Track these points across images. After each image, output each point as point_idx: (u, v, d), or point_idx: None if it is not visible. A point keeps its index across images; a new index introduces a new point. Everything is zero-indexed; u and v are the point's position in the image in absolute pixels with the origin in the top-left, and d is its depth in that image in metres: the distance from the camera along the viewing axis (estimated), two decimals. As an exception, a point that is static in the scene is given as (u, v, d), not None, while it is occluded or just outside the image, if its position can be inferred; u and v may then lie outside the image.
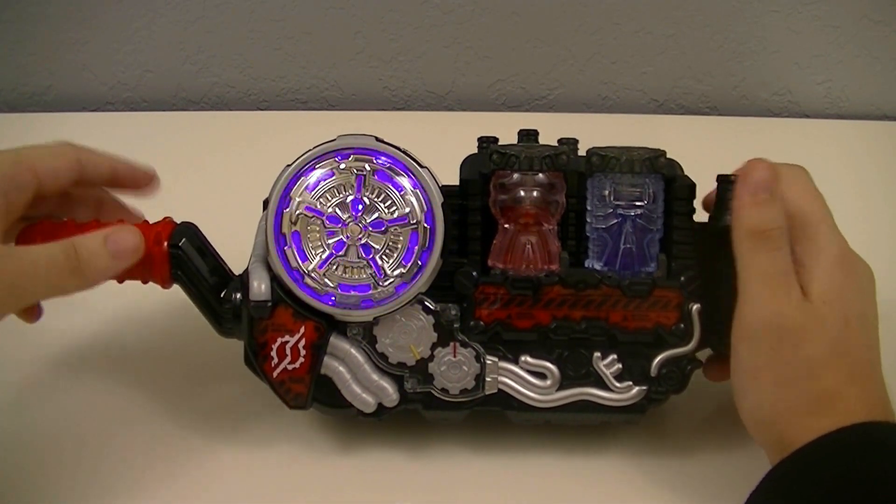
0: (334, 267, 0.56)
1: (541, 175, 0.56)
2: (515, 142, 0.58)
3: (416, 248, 0.56)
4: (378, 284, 0.56)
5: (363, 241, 0.56)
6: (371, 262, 0.56)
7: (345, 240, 0.56)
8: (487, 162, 0.56)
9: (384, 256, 0.56)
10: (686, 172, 0.57)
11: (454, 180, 0.57)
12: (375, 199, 0.56)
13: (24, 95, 1.00)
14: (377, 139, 0.56)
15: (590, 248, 0.57)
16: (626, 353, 0.57)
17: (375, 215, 0.56)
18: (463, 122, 0.97)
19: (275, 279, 0.56)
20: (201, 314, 0.59)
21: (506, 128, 0.61)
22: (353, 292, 0.56)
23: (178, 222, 0.60)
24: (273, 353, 0.57)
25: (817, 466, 0.48)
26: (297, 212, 0.56)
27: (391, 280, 0.56)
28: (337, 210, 0.56)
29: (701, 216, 0.57)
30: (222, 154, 0.90)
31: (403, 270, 0.56)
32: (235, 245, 0.61)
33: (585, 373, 0.57)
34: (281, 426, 0.62)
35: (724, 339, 0.57)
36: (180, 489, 0.58)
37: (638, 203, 0.56)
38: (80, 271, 0.53)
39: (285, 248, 0.56)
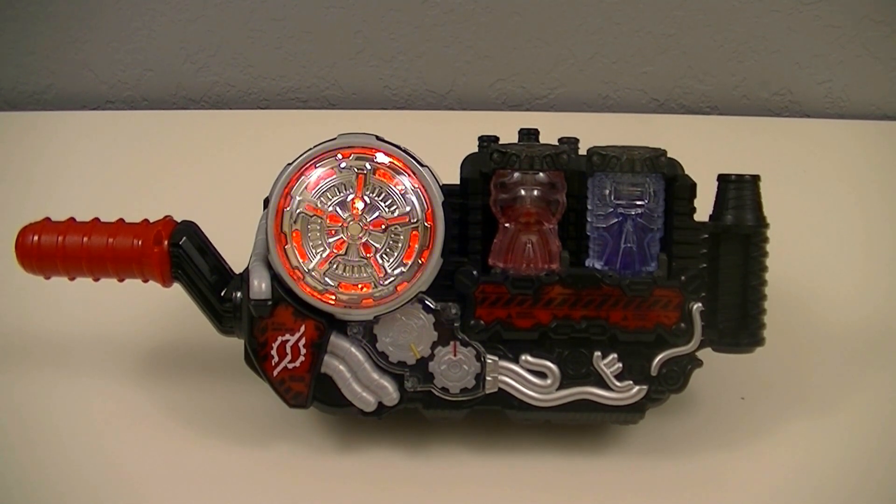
0: (335, 266, 0.56)
1: (541, 174, 0.56)
2: (516, 141, 0.58)
3: (417, 246, 0.56)
4: (378, 283, 0.56)
5: (364, 240, 0.56)
6: (371, 261, 0.56)
7: (345, 239, 0.56)
8: (488, 161, 0.56)
9: (385, 255, 0.56)
10: (687, 172, 0.57)
11: (455, 179, 0.57)
12: (376, 198, 0.56)
13: (24, 94, 1.00)
14: (378, 138, 0.56)
15: (590, 247, 0.57)
16: (626, 352, 0.57)
17: (376, 214, 0.56)
18: (463, 121, 0.97)
19: (275, 278, 0.56)
20: (202, 313, 0.59)
21: (506, 127, 0.61)
22: (353, 291, 0.56)
23: (179, 221, 0.60)
24: (273, 352, 0.57)
25: None
26: (298, 211, 0.56)
27: (392, 279, 0.56)
28: (337, 209, 0.56)
29: (701, 215, 0.57)
30: (223, 153, 0.90)
31: (404, 269, 0.56)
32: (236, 244, 0.61)
33: (586, 372, 0.57)
34: (281, 425, 0.62)
35: (725, 338, 0.57)
36: (180, 488, 0.58)
37: (638, 202, 0.56)
38: None
39: (286, 246, 0.56)
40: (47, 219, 0.60)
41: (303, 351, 0.57)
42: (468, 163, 0.58)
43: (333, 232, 0.56)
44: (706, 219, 0.57)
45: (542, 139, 0.58)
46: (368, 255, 0.56)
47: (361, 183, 0.56)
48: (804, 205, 0.82)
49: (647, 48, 0.97)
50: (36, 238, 0.58)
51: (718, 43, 0.97)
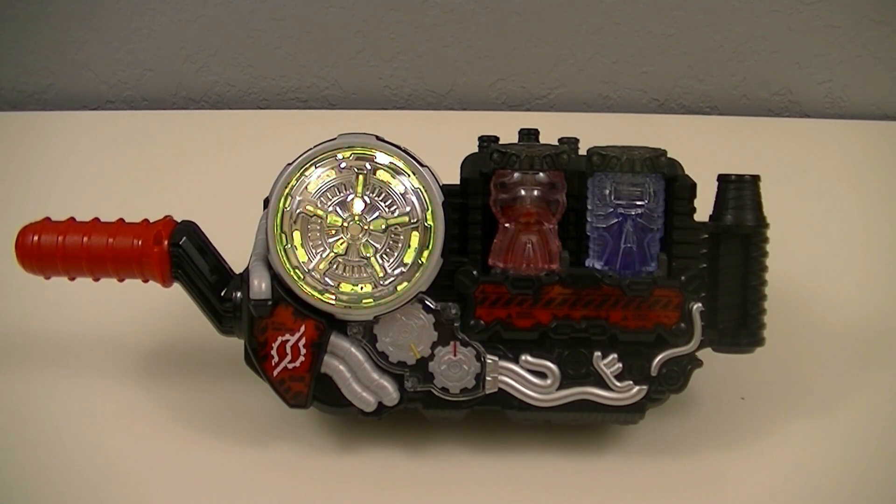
0: (335, 266, 0.56)
1: (541, 174, 0.56)
2: (516, 141, 0.58)
3: (417, 246, 0.56)
4: (378, 283, 0.56)
5: (364, 240, 0.56)
6: (371, 261, 0.56)
7: (345, 238, 0.56)
8: (488, 161, 0.56)
9: (385, 255, 0.56)
10: (687, 172, 0.57)
11: (455, 179, 0.57)
12: (376, 198, 0.56)
13: (24, 94, 1.00)
14: (378, 138, 0.56)
15: (590, 247, 0.57)
16: (626, 352, 0.57)
17: (376, 214, 0.56)
18: (463, 121, 0.97)
19: (275, 278, 0.56)
20: (202, 313, 0.59)
21: (506, 127, 0.61)
22: (353, 291, 0.56)
23: (179, 221, 0.60)
24: (273, 352, 0.57)
25: None
26: (298, 211, 0.56)
27: (392, 279, 0.56)
28: (337, 209, 0.56)
29: (701, 215, 0.57)
30: (223, 153, 0.90)
31: (404, 269, 0.56)
32: (236, 244, 0.61)
33: (586, 372, 0.57)
34: (281, 425, 0.62)
35: (725, 338, 0.57)
36: (180, 488, 0.58)
37: (638, 202, 0.56)
38: None
39: (286, 246, 0.56)
40: (47, 219, 0.60)
41: (303, 351, 0.57)
42: (468, 163, 0.58)
43: (333, 232, 0.56)
44: (706, 219, 0.57)
45: (542, 139, 0.58)
46: (368, 255, 0.56)
47: (361, 183, 0.56)
48: (804, 205, 0.82)
49: (647, 48, 0.97)
50: (36, 238, 0.58)
51: (718, 43, 0.97)
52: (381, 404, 0.57)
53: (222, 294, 0.58)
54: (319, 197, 0.56)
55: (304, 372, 0.57)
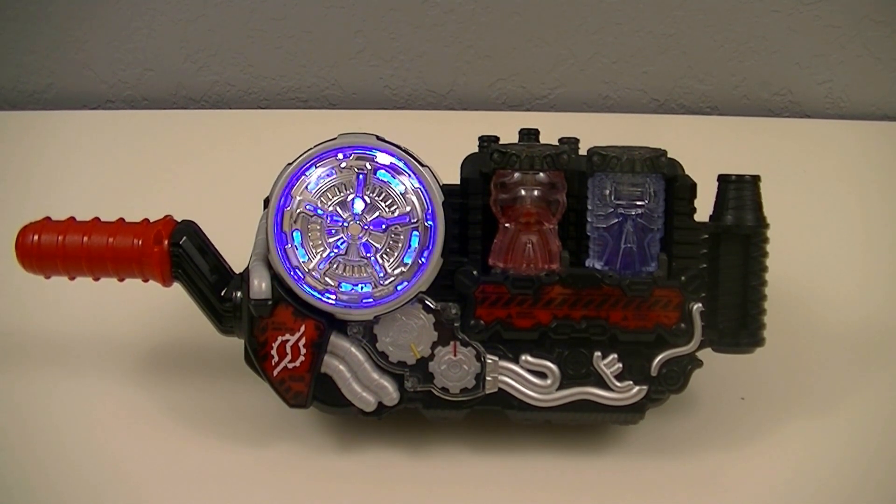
0: (335, 265, 0.56)
1: (542, 174, 0.56)
2: (516, 141, 0.58)
3: (417, 246, 0.56)
4: (379, 283, 0.56)
5: (364, 240, 0.56)
6: (372, 261, 0.56)
7: (346, 238, 0.56)
8: (488, 161, 0.56)
9: (385, 255, 0.56)
10: (687, 172, 0.57)
11: (455, 179, 0.57)
12: (376, 198, 0.56)
13: (24, 93, 1.00)
14: (378, 138, 0.56)
15: (590, 247, 0.57)
16: (626, 352, 0.57)
17: (376, 214, 0.56)
18: (464, 121, 0.97)
19: (275, 278, 0.56)
20: (202, 312, 0.59)
21: (506, 127, 0.61)
22: (353, 291, 0.56)
23: (179, 220, 0.60)
24: (273, 352, 0.57)
25: None
26: (298, 210, 0.56)
27: (392, 279, 0.56)
28: (338, 209, 0.56)
29: (702, 215, 0.57)
30: (223, 153, 0.90)
31: (404, 269, 0.56)
32: (236, 243, 0.61)
33: (586, 372, 0.57)
34: (281, 425, 0.62)
35: (725, 338, 0.57)
36: (180, 488, 0.58)
37: (639, 202, 0.56)
38: None
39: (286, 246, 0.56)
40: (47, 218, 0.60)
41: (303, 351, 0.57)
42: (468, 163, 0.58)
43: (333, 232, 0.56)
44: (706, 219, 0.57)
45: (542, 139, 0.58)
46: (368, 255, 0.56)
47: (362, 183, 0.56)
48: (804, 205, 0.82)
49: (647, 48, 0.97)
50: (36, 237, 0.58)
51: (718, 43, 0.97)
52: (381, 404, 0.57)
53: (222, 294, 0.58)
54: (320, 196, 0.56)
55: (304, 372, 0.57)
